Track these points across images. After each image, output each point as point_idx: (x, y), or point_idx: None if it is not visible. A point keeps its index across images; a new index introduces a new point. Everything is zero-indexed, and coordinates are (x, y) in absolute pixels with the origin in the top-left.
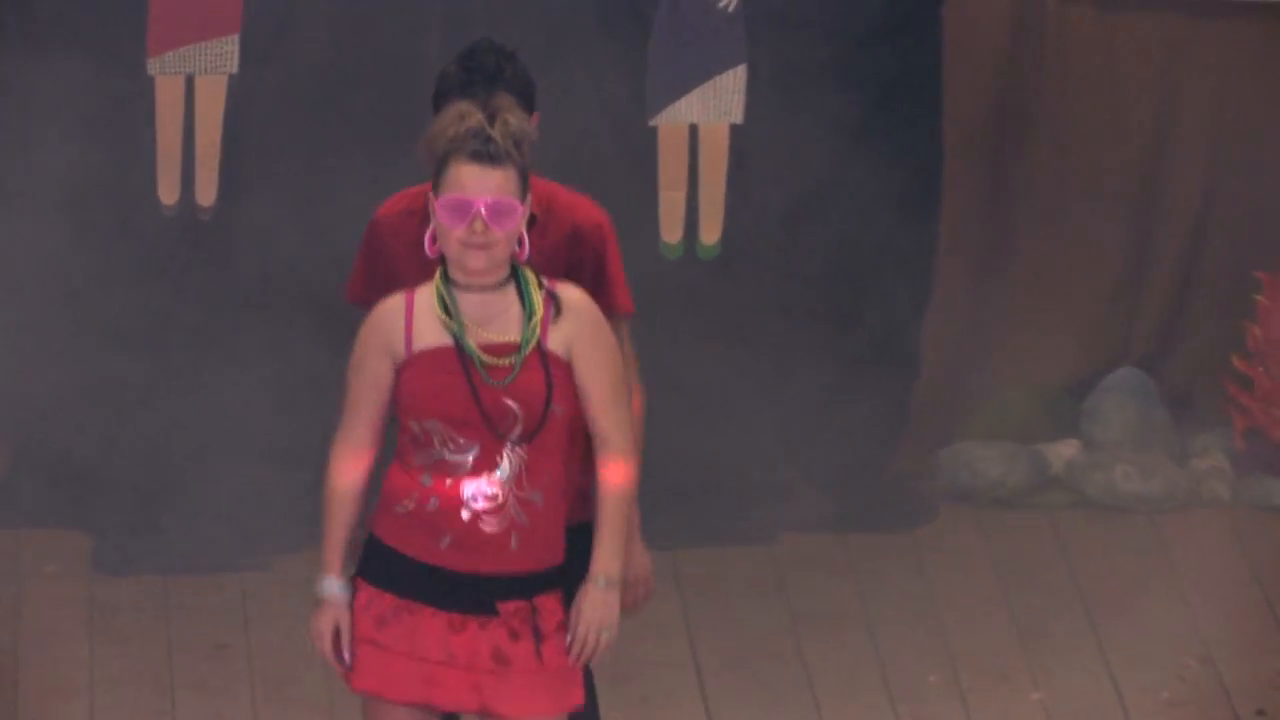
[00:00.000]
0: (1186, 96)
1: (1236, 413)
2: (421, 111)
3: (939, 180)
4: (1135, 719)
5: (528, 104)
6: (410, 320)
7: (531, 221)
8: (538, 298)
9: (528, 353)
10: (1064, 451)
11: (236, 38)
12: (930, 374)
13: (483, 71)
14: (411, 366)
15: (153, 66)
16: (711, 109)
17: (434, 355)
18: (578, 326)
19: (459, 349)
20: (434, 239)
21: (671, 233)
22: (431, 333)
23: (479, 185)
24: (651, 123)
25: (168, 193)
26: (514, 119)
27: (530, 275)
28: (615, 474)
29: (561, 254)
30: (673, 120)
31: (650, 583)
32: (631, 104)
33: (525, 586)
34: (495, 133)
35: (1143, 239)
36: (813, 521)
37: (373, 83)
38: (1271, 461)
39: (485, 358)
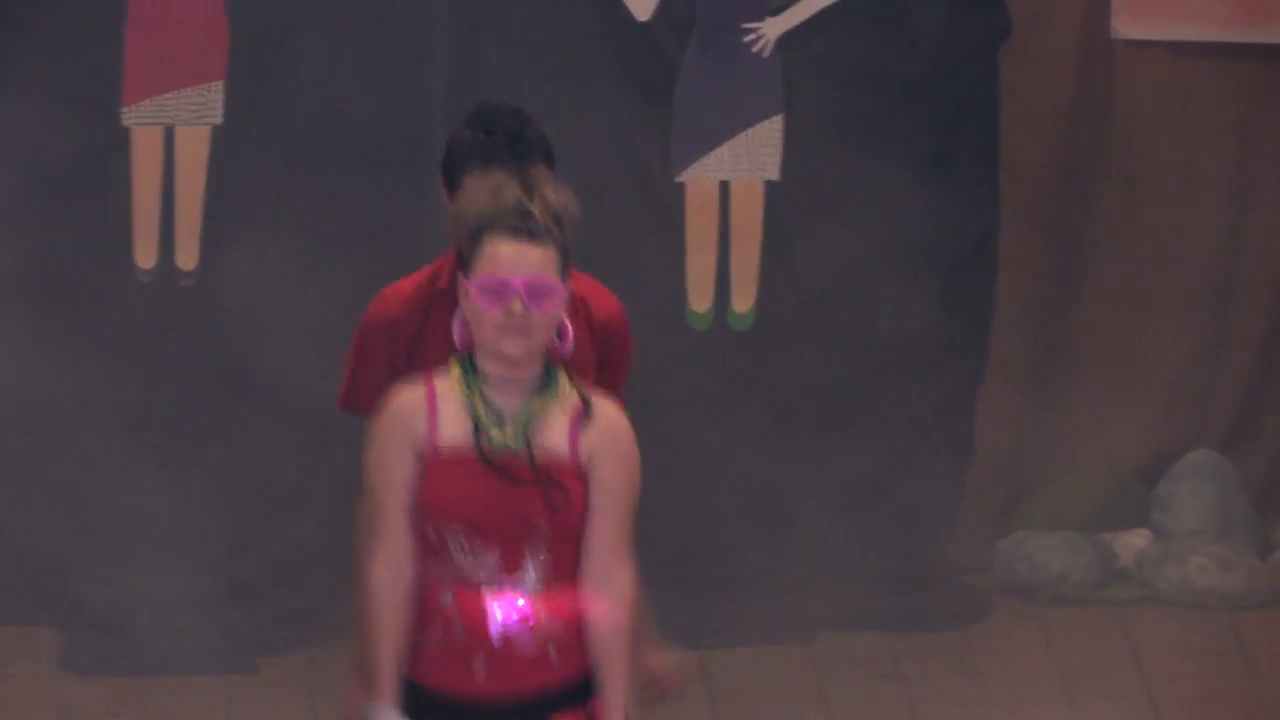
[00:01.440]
0: (1266, 151)
1: None
2: (423, 161)
3: (995, 244)
4: None
5: (549, 151)
6: (434, 413)
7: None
8: (567, 393)
9: (539, 454)
10: (1133, 542)
11: (221, 85)
12: (985, 457)
13: (504, 132)
14: (435, 465)
15: (128, 116)
16: (744, 164)
17: (458, 456)
18: (602, 443)
19: (481, 452)
20: (463, 325)
21: (700, 300)
22: (456, 429)
23: (517, 264)
24: (678, 179)
25: (145, 255)
26: (554, 194)
27: (565, 375)
28: (613, 617)
29: (590, 345)
30: (702, 176)
31: (673, 677)
32: (656, 158)
33: (576, 694)
34: (535, 208)
35: (1220, 307)
36: (856, 619)
37: (370, 135)
38: None
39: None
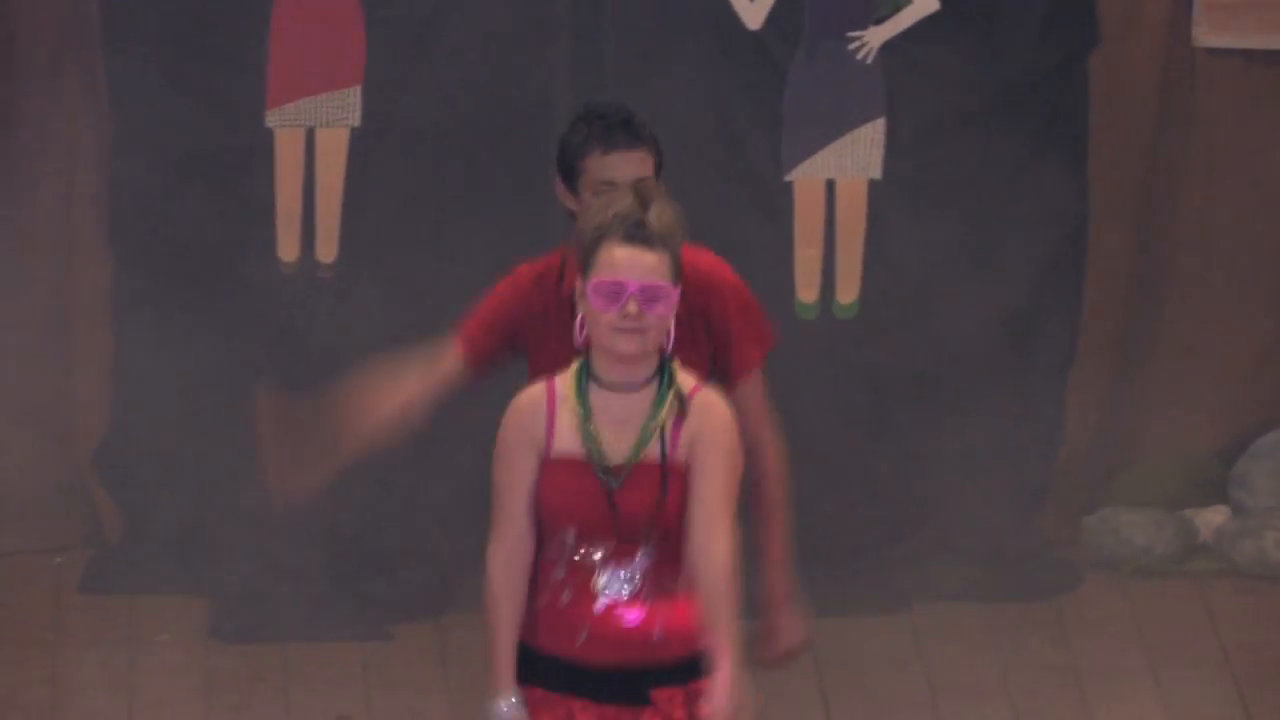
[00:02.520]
0: None
1: None
2: (545, 160)
3: (1085, 238)
4: None
5: (660, 158)
6: (552, 418)
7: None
8: (669, 403)
9: (641, 459)
10: (1212, 518)
11: (359, 89)
12: (1074, 438)
13: (616, 117)
14: (550, 469)
15: (272, 119)
16: (849, 164)
17: (571, 462)
18: (700, 430)
19: (592, 462)
20: (582, 326)
21: (808, 292)
22: (570, 435)
23: (632, 267)
24: (787, 178)
25: (287, 249)
26: (665, 206)
27: (674, 372)
28: (714, 586)
29: (699, 309)
30: (809, 175)
31: (794, 650)
32: (767, 159)
33: (677, 674)
34: (649, 217)
35: None
36: (952, 590)
37: (496, 136)
38: None
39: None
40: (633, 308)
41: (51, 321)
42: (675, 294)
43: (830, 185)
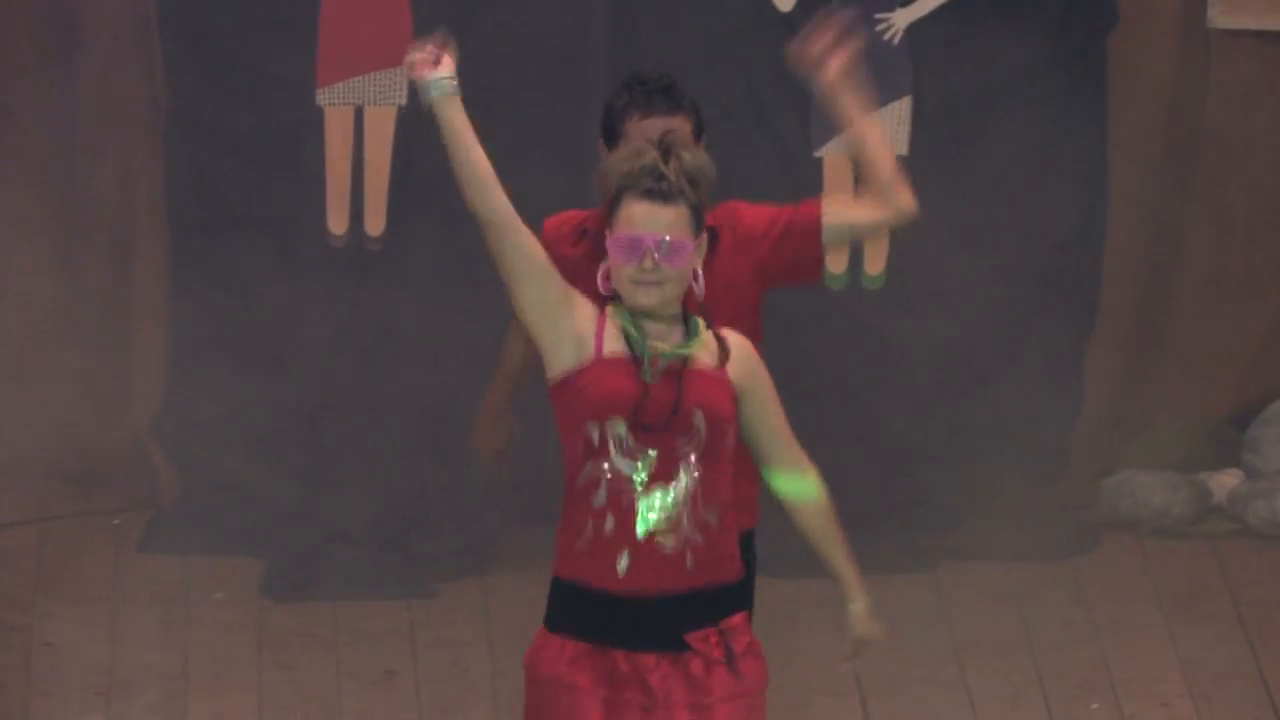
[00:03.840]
0: None
1: None
2: (583, 135)
3: (1104, 213)
4: None
5: (700, 124)
6: (602, 325)
7: (714, 239)
8: (707, 339)
9: (689, 356)
10: (1226, 481)
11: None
12: (1093, 404)
13: (657, 84)
14: (600, 366)
15: (322, 98)
16: None
17: (623, 362)
18: (744, 369)
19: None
20: (607, 276)
21: (837, 264)
22: (618, 342)
23: (650, 222)
24: (817, 154)
25: (337, 222)
26: (689, 155)
27: (700, 321)
28: (820, 495)
29: (747, 266)
30: (838, 152)
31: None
32: (797, 136)
33: (709, 611)
34: (669, 170)
35: None
36: (975, 550)
37: (535, 116)
38: None
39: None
40: (649, 262)
41: (110, 295)
42: (693, 246)
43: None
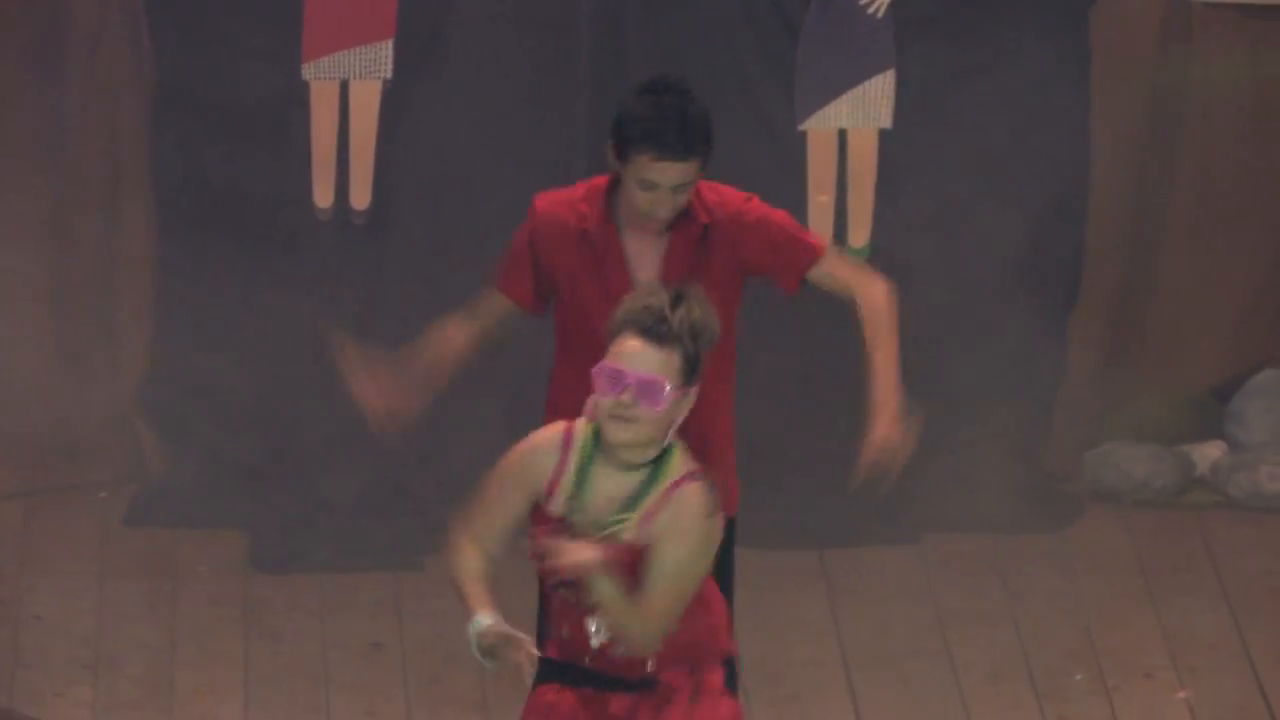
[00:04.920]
0: None
1: None
2: (568, 105)
3: (1087, 184)
4: None
5: (711, 140)
6: (559, 474)
7: (705, 232)
8: (672, 475)
9: (611, 535)
10: (1209, 453)
11: (391, 43)
12: (1077, 376)
13: (676, 114)
14: (541, 519)
15: (308, 71)
16: (860, 114)
17: (557, 521)
18: (671, 519)
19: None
20: (594, 406)
21: (820, 236)
22: (564, 498)
23: (638, 359)
24: (801, 127)
25: (323, 195)
26: (699, 310)
27: (676, 461)
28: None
29: (748, 248)
30: (822, 125)
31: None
32: (781, 109)
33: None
34: (674, 316)
35: None
36: (960, 522)
37: (521, 86)
38: None
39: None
40: (627, 397)
41: (96, 266)
42: (677, 394)
43: (842, 135)
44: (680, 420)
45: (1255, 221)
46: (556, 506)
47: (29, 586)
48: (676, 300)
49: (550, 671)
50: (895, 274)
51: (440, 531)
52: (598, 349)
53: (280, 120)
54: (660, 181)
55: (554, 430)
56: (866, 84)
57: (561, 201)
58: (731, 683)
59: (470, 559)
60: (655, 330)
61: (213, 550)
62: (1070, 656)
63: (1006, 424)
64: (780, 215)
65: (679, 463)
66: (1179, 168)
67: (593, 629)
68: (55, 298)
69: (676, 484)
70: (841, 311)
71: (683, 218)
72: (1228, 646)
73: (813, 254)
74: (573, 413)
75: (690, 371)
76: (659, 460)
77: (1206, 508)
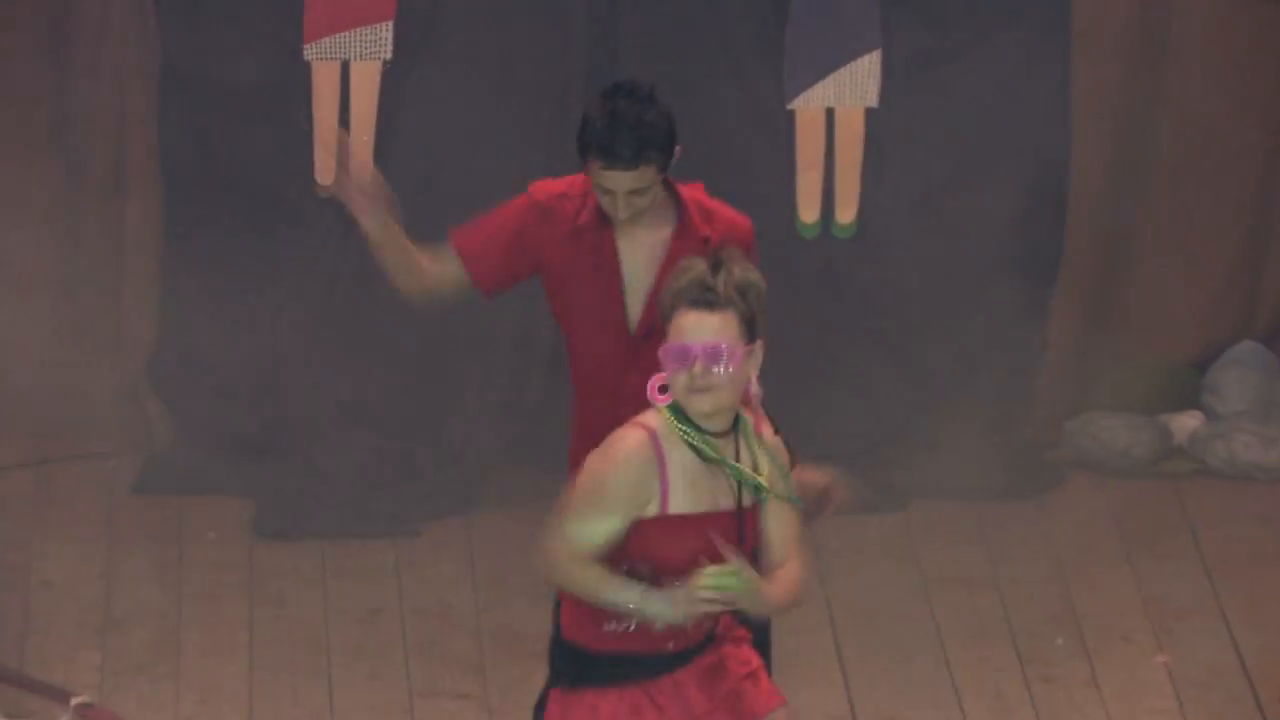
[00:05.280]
0: None
1: None
2: (561, 85)
3: (1068, 161)
4: (1256, 680)
5: (669, 145)
6: (665, 477)
7: (706, 245)
8: (759, 450)
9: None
10: (1187, 423)
11: (390, 24)
12: (1058, 347)
13: (627, 119)
14: (662, 527)
15: (309, 52)
16: (847, 93)
17: (688, 518)
18: (777, 463)
19: (738, 507)
20: (661, 388)
21: (809, 212)
22: (686, 492)
23: (697, 330)
24: (789, 106)
25: (324, 173)
26: (739, 269)
27: (748, 424)
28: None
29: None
30: (809, 104)
31: (837, 489)
32: (771, 89)
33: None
34: (718, 281)
35: (1264, 220)
36: (945, 489)
37: (518, 67)
38: None
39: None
40: (698, 369)
41: (105, 243)
42: (744, 351)
43: (830, 113)
44: (754, 376)
45: (1231, 200)
46: (678, 506)
47: (39, 553)
48: (716, 265)
49: (599, 670)
50: (882, 249)
51: (437, 500)
52: (587, 345)
53: (283, 100)
54: (612, 187)
55: (636, 441)
56: (853, 64)
57: (558, 195)
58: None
59: (596, 568)
60: (705, 299)
61: (217, 518)
62: (1051, 620)
63: (990, 395)
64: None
65: (746, 417)
66: (1159, 148)
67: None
68: (66, 276)
69: (759, 433)
70: (831, 284)
71: (685, 227)
72: (1204, 611)
73: None
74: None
75: (749, 328)
76: (736, 420)
77: (1184, 476)
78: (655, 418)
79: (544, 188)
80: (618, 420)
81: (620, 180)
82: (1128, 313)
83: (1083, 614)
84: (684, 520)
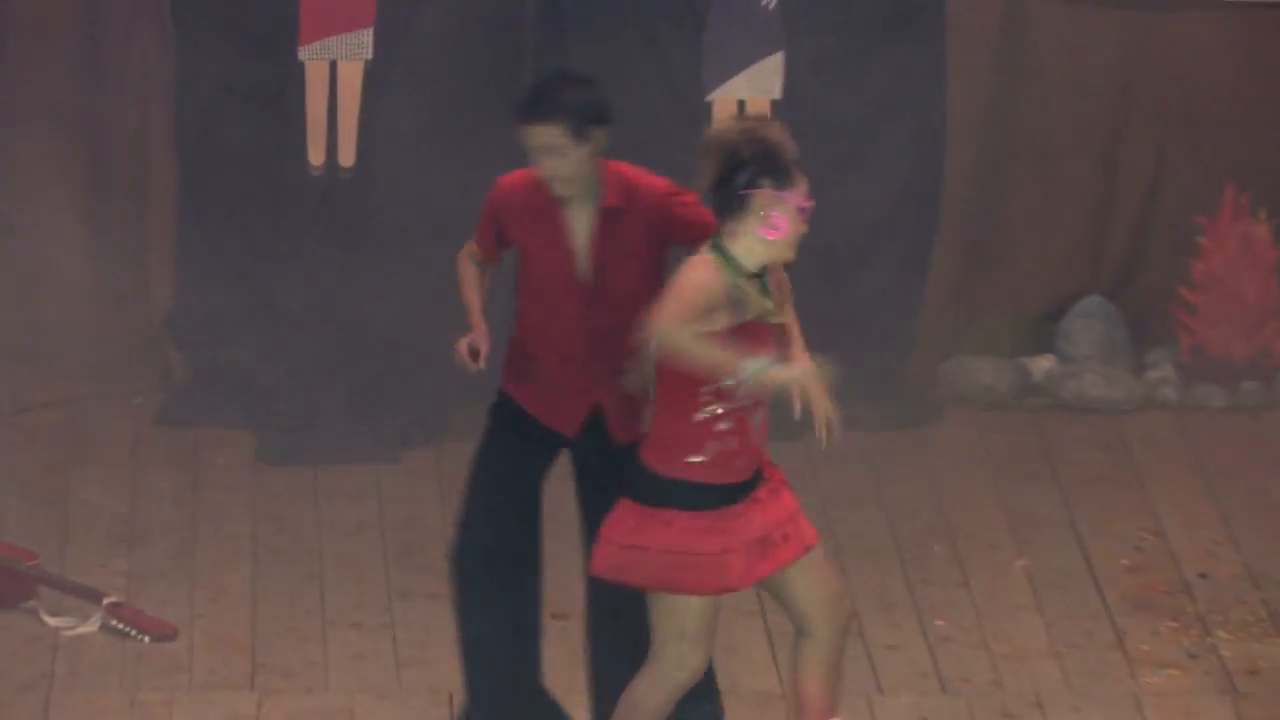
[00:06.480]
0: (1143, 83)
1: (1183, 332)
2: (515, 84)
3: (944, 141)
4: (1101, 581)
5: (585, 114)
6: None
7: (616, 214)
8: (771, 284)
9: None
10: (1043, 364)
11: (371, 30)
12: (935, 299)
13: (542, 88)
14: (741, 330)
15: (302, 54)
16: (757, 86)
17: (755, 325)
18: (788, 296)
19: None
20: (776, 227)
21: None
22: (739, 307)
23: (808, 192)
24: (707, 98)
25: (315, 155)
26: (762, 129)
27: (767, 277)
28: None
29: (659, 224)
30: (725, 95)
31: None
32: (691, 83)
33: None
34: (785, 151)
35: (1108, 192)
36: (840, 422)
37: (477, 58)
38: (1210, 372)
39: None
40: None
41: (129, 213)
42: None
43: (742, 104)
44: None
45: (1082, 173)
46: (750, 313)
47: (77, 476)
48: (767, 141)
49: (677, 494)
50: None
51: (412, 432)
52: (546, 299)
53: (281, 93)
54: (528, 143)
55: (709, 271)
56: (762, 62)
57: (519, 183)
58: None
59: (703, 340)
60: (787, 170)
61: (228, 447)
62: (929, 532)
63: (878, 340)
64: (680, 191)
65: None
66: (1022, 134)
67: (756, 422)
68: (94, 242)
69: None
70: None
71: (598, 199)
72: (1057, 524)
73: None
74: (531, 344)
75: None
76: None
77: (1041, 409)
78: (707, 258)
79: (507, 179)
80: (570, 361)
81: (532, 135)
82: (993, 272)
83: (956, 527)
84: (742, 328)
